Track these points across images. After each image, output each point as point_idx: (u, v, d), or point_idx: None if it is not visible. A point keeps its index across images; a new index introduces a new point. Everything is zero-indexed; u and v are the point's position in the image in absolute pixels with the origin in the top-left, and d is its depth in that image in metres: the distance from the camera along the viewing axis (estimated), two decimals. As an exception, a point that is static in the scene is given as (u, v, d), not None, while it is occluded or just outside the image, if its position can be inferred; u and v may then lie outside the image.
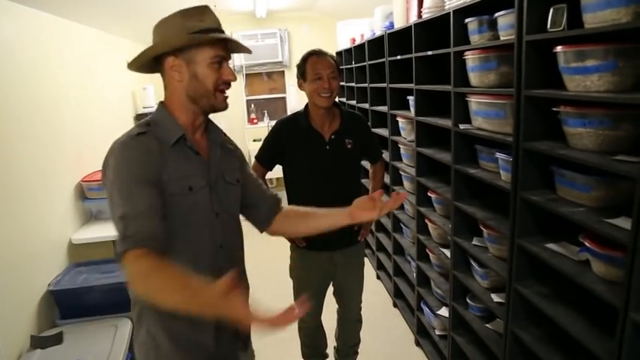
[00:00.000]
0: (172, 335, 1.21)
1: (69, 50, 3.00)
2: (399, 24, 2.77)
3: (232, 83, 1.25)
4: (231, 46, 1.24)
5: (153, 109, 1.31)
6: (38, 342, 2.22)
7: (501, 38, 1.72)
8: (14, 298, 2.18)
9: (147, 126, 1.20)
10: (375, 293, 3.66)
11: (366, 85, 3.64)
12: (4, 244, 2.11)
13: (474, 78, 1.90)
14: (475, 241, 2.10)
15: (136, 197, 1.07)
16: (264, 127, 6.22)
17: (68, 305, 2.45)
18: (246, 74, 6.02)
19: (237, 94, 6.08)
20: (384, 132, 3.34)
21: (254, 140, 6.06)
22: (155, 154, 1.13)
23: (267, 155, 2.22)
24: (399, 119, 2.96)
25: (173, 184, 1.15)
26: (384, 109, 3.28)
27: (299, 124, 2.12)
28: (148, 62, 1.23)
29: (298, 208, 1.50)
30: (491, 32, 1.81)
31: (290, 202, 2.20)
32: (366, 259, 4.45)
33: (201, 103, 1.20)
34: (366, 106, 3.72)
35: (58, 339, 2.25)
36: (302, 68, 2.09)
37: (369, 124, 3.62)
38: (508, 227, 1.69)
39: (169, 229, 1.12)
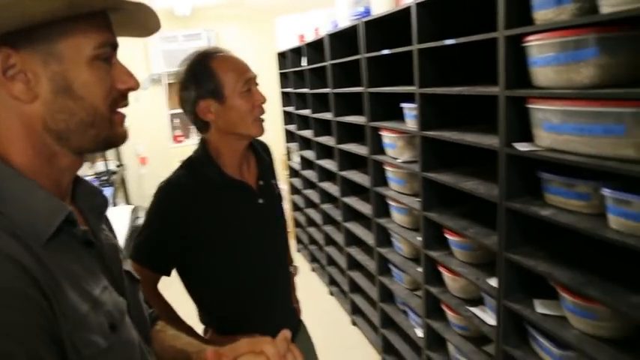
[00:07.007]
0: None
1: None
2: (381, 9, 2.10)
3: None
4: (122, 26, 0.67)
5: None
6: None
7: (604, 10, 1.09)
8: None
9: None
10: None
11: (327, 90, 2.94)
12: None
13: (545, 75, 1.26)
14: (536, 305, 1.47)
15: None
16: (192, 145, 5.28)
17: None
18: (168, 84, 5.07)
19: (158, 107, 5.11)
20: (358, 149, 2.67)
21: (181, 162, 5.12)
22: (35, 293, 0.51)
23: (159, 254, 1.22)
24: (386, 134, 2.29)
25: (79, 338, 0.55)
26: (357, 119, 2.60)
27: (208, 182, 1.22)
28: None
29: (165, 332, 0.92)
30: (578, 4, 1.18)
31: (211, 317, 1.33)
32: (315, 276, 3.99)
33: (82, 141, 0.63)
34: (329, 116, 3.02)
35: None
36: (213, 80, 1.17)
37: (335, 138, 2.97)
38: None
39: None
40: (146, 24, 0.69)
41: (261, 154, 1.38)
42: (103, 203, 0.74)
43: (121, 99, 0.66)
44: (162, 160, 5.23)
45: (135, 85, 0.67)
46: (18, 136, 0.59)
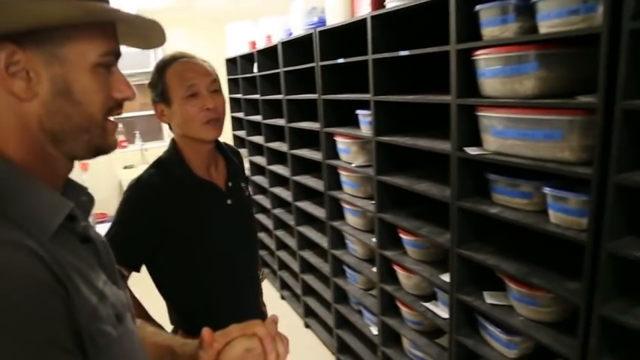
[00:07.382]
0: None
1: None
2: (336, 19, 2.18)
3: None
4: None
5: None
6: None
7: (542, 30, 1.24)
8: None
9: None
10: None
11: (280, 97, 2.99)
12: None
13: (492, 85, 1.40)
14: (489, 299, 1.61)
15: None
16: (137, 150, 5.15)
17: None
18: (108, 87, 4.90)
19: (97, 111, 4.91)
20: (312, 154, 2.73)
21: (125, 167, 4.96)
22: (54, 284, 0.51)
23: (131, 251, 1.20)
24: (340, 139, 2.38)
25: (95, 329, 0.56)
26: (311, 125, 2.67)
27: (178, 181, 1.25)
28: None
29: (144, 330, 0.90)
30: (520, 23, 1.32)
31: (181, 317, 1.34)
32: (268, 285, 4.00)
33: (74, 145, 0.62)
34: (281, 122, 3.07)
35: None
36: (160, 85, 1.23)
37: (287, 143, 3.02)
38: (581, 290, 1.21)
39: None
40: (151, 38, 0.70)
41: (230, 156, 1.40)
42: (90, 201, 0.74)
43: (116, 108, 0.66)
44: (104, 165, 5.02)
45: (131, 96, 0.67)
46: (14, 133, 0.58)
